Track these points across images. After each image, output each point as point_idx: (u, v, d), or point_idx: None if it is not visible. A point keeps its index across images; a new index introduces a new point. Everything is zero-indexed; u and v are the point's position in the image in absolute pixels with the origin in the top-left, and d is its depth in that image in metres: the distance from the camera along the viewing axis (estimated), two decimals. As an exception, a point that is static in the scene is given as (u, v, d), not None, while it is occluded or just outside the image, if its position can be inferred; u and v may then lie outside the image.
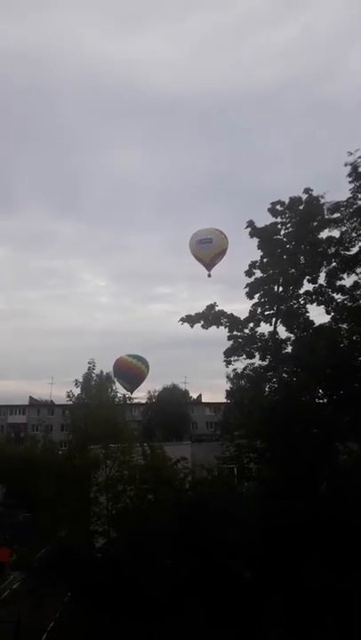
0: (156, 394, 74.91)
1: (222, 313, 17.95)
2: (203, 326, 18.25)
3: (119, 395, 51.94)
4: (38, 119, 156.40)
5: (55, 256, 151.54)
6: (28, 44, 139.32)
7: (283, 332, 17.07)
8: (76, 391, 28.05)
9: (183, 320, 18.47)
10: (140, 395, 68.07)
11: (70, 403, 28.78)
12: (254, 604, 11.82)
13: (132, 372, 51.63)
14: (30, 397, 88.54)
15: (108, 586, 13.49)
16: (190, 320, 18.38)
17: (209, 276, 33.93)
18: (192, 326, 18.36)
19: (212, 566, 12.33)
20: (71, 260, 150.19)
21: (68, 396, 26.81)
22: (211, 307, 18.25)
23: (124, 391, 49.35)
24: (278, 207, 17.69)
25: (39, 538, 18.64)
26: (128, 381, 51.34)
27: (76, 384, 25.72)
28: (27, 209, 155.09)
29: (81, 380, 36.59)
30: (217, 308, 18.14)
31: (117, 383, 52.13)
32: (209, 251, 33.24)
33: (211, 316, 18.15)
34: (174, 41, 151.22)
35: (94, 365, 38.75)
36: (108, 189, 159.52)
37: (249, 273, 18.07)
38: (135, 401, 55.77)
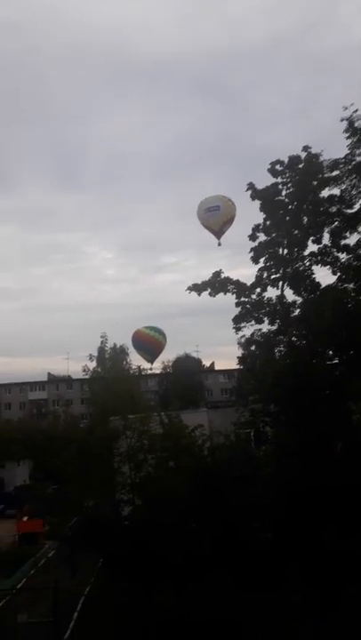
0: (170, 364, 75.56)
1: (229, 280, 17.88)
2: (210, 294, 18.21)
3: (134, 366, 52.88)
4: (29, 93, 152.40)
5: (59, 231, 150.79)
6: (8, 15, 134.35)
7: (290, 296, 17.04)
8: (92, 365, 28.73)
9: (190, 289, 18.41)
10: (155, 365, 69.09)
11: (87, 377, 29.42)
12: (276, 566, 12.28)
13: (150, 343, 53.01)
14: (49, 373, 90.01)
15: (136, 553, 14.09)
16: (197, 288, 18.33)
17: (219, 244, 33.44)
18: (199, 294, 18.34)
19: (234, 529, 12.78)
20: (75, 234, 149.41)
21: (84, 371, 27.41)
22: (217, 274, 18.16)
23: (143, 362, 50.37)
24: (278, 167, 17.31)
25: (68, 509, 19.43)
26: (147, 353, 52.88)
27: (90, 358, 26.28)
28: (27, 185, 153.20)
29: (95, 354, 37.26)
30: (223, 275, 18.04)
31: (136, 355, 53.51)
32: (217, 218, 32.68)
33: (217, 284, 18.07)
34: (160, 2, 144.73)
35: (106, 339, 39.22)
36: (107, 159, 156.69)
37: (253, 237, 17.89)
38: (150, 372, 57.07)
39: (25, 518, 32.78)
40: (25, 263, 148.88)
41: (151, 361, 54.82)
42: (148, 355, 52.81)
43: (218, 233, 33.13)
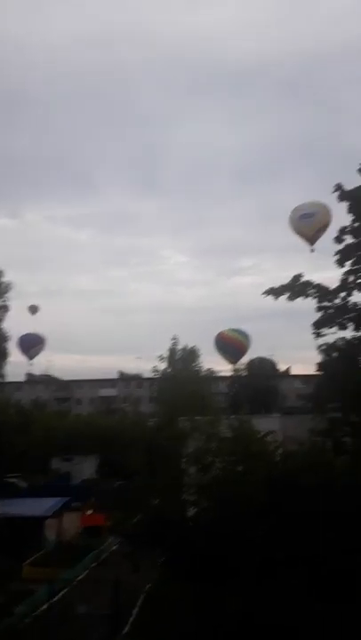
0: (243, 367, 74.63)
1: (309, 283, 17.15)
2: (288, 298, 17.56)
3: (204, 369, 53.18)
4: (113, 99, 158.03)
5: (138, 234, 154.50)
6: (92, 23, 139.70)
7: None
8: (162, 366, 29.06)
9: (267, 292, 17.84)
10: (226, 368, 68.59)
11: (157, 377, 29.72)
12: (351, 575, 11.57)
13: (234, 345, 53.93)
14: (120, 372, 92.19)
15: (200, 553, 13.78)
16: (275, 292, 17.68)
17: (312, 250, 33.00)
18: (277, 298, 17.77)
19: (308, 536, 12.18)
20: (154, 238, 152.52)
21: (155, 371, 27.69)
22: (297, 277, 17.47)
23: (215, 364, 51.02)
24: (369, 167, 16.47)
25: (133, 505, 19.48)
26: (230, 355, 53.89)
27: (160, 359, 26.51)
28: (108, 190, 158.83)
29: (166, 354, 37.66)
30: (303, 278, 17.35)
31: (214, 356, 55.01)
32: (312, 225, 32.32)
33: (297, 288, 17.38)
34: (247, 5, 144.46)
35: (178, 341, 39.32)
36: (188, 162, 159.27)
37: (339, 239, 17.08)
38: (221, 374, 57.29)
39: (89, 512, 33.41)
40: (104, 265, 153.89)
41: (234, 363, 55.79)
42: (231, 357, 53.96)
43: (311, 239, 32.65)
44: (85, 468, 51.42)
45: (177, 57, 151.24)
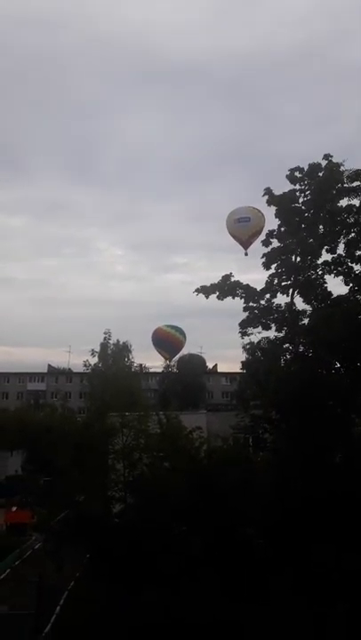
0: (173, 363, 75.40)
1: (238, 284, 17.68)
2: (218, 297, 18.02)
3: (135, 364, 53.06)
4: (51, 85, 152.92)
5: (71, 224, 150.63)
6: (33, 8, 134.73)
7: (300, 304, 16.86)
8: (93, 360, 28.73)
9: (198, 291, 18.24)
10: (157, 364, 68.84)
11: (87, 371, 29.25)
12: (266, 573, 12.07)
13: (170, 341, 55.05)
14: (49, 365, 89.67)
15: (124, 552, 13.88)
16: (205, 291, 18.14)
17: (246, 254, 34.15)
18: (207, 297, 18.17)
19: (227, 533, 12.58)
20: (88, 229, 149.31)
21: (85, 365, 27.29)
22: (226, 277, 17.96)
23: (147, 360, 52.04)
24: (297, 174, 17.16)
25: (58, 502, 19.21)
26: (167, 350, 55.06)
27: (92, 353, 26.16)
28: (42, 177, 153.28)
29: (97, 349, 37.17)
30: (233, 279, 17.85)
31: (156, 351, 56.33)
32: (247, 230, 33.43)
33: (226, 287, 17.87)
34: (190, 4, 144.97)
35: (110, 335, 38.98)
36: (124, 156, 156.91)
37: (266, 242, 17.72)
38: (152, 370, 57.96)
39: (14, 508, 32.60)
40: (35, 254, 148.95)
41: (169, 359, 56.90)
42: (167, 352, 55.20)
43: (245, 243, 33.75)
44: (10, 464, 49.99)
45: (120, 49, 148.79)
